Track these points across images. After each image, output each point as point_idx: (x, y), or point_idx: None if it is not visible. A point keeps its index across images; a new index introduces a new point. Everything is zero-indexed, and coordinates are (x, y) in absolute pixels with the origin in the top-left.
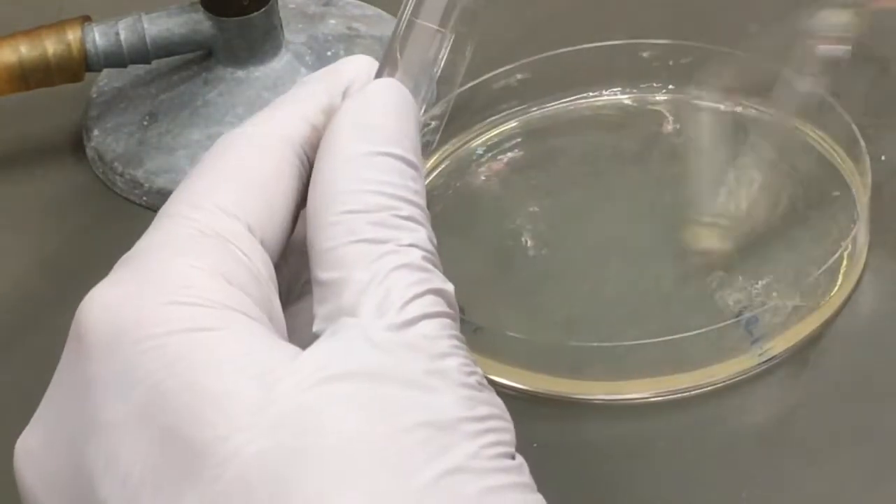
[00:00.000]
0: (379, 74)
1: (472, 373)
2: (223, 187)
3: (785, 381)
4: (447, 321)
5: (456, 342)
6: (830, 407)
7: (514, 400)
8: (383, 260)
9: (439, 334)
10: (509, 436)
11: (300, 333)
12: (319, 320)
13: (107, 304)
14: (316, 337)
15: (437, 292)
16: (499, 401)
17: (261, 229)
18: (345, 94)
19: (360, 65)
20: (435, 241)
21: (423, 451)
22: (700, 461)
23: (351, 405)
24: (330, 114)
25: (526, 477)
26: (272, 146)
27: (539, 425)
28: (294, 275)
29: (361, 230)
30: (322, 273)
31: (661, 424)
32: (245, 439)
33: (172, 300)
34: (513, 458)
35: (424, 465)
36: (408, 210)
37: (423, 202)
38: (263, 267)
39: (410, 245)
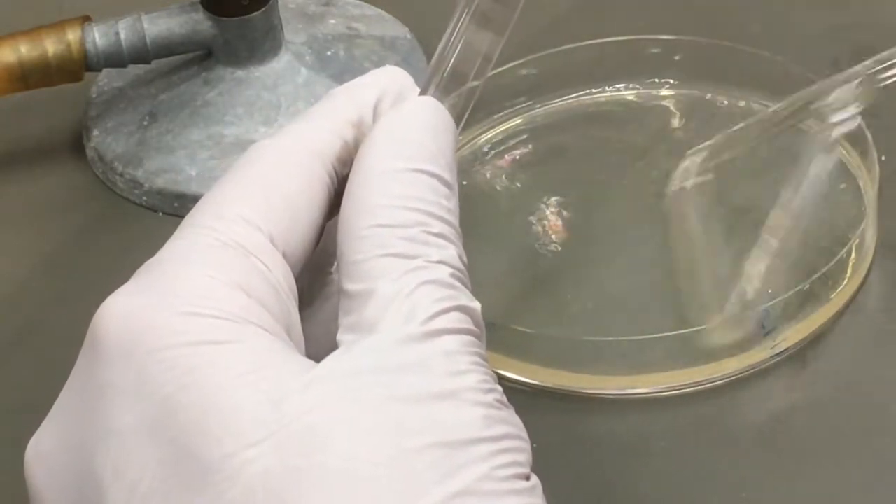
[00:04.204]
0: (424, 89)
1: (491, 390)
2: (248, 198)
3: (792, 377)
4: (470, 338)
5: (477, 359)
6: (835, 405)
7: (526, 395)
8: (411, 275)
9: (460, 350)
10: (525, 456)
11: (311, 343)
12: (343, 330)
13: (123, 311)
14: (333, 348)
15: (463, 309)
16: (517, 419)
17: (284, 241)
18: (376, 108)
19: (391, 77)
20: (465, 259)
21: (431, 473)
22: (702, 460)
23: (360, 425)
24: (360, 127)
25: (538, 499)
26: (300, 158)
27: (550, 420)
28: (307, 285)
29: (391, 244)
30: (349, 284)
31: (669, 420)
32: (251, 457)
33: (189, 311)
34: (527, 479)
35: (432, 487)
36: (439, 227)
37: (455, 220)
38: (284, 279)
39: (439, 262)
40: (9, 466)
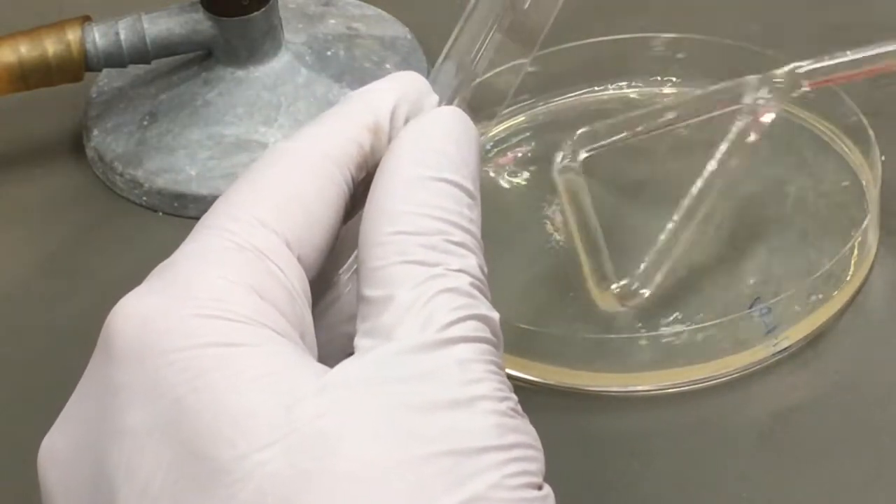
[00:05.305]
0: (450, 100)
1: (505, 399)
2: (264, 201)
3: (793, 375)
4: (487, 347)
5: (493, 367)
6: (836, 403)
7: (526, 392)
8: (430, 282)
9: (475, 359)
10: (537, 465)
11: (324, 348)
12: (360, 335)
13: (137, 313)
14: (339, 350)
15: (481, 318)
16: (531, 428)
17: (299, 245)
18: (393, 113)
19: (408, 82)
20: (486, 269)
21: (441, 480)
22: (702, 459)
23: (371, 431)
24: (376, 132)
25: None
26: (316, 163)
27: (550, 418)
28: (319, 290)
29: (412, 251)
30: (368, 290)
31: (670, 418)
32: (262, 459)
33: (202, 313)
34: (539, 488)
35: (442, 494)
36: (460, 236)
37: (477, 231)
38: (299, 283)
39: (459, 270)
40: (9, 464)
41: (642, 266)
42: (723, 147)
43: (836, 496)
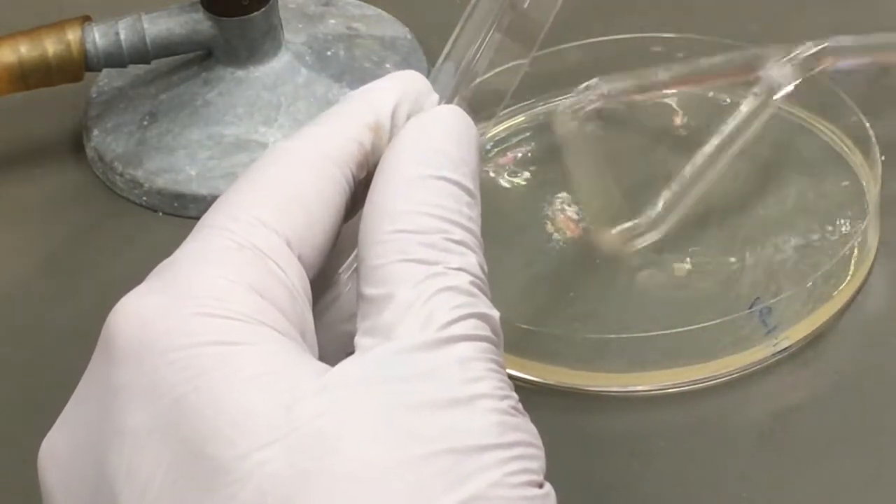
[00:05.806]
0: (450, 98)
1: (506, 397)
2: (264, 201)
3: (793, 375)
4: (487, 345)
5: (493, 366)
6: (836, 403)
7: (528, 392)
8: (430, 281)
9: (476, 357)
10: (538, 463)
11: (325, 347)
12: (360, 334)
13: (137, 312)
14: (339, 349)
15: (481, 317)
16: (531, 427)
17: (299, 245)
18: (394, 112)
19: (409, 81)
20: (486, 267)
21: (441, 479)
22: (702, 459)
23: (370, 430)
24: (377, 131)
25: None
26: (316, 162)
27: (549, 418)
28: (319, 289)
29: (412, 250)
30: (368, 289)
31: (670, 418)
32: (262, 459)
33: (202, 312)
34: (540, 486)
35: (442, 493)
36: (460, 234)
37: (476, 229)
38: (299, 282)
39: (459, 269)
40: (9, 464)
41: (650, 207)
42: (742, 109)
43: (836, 496)
